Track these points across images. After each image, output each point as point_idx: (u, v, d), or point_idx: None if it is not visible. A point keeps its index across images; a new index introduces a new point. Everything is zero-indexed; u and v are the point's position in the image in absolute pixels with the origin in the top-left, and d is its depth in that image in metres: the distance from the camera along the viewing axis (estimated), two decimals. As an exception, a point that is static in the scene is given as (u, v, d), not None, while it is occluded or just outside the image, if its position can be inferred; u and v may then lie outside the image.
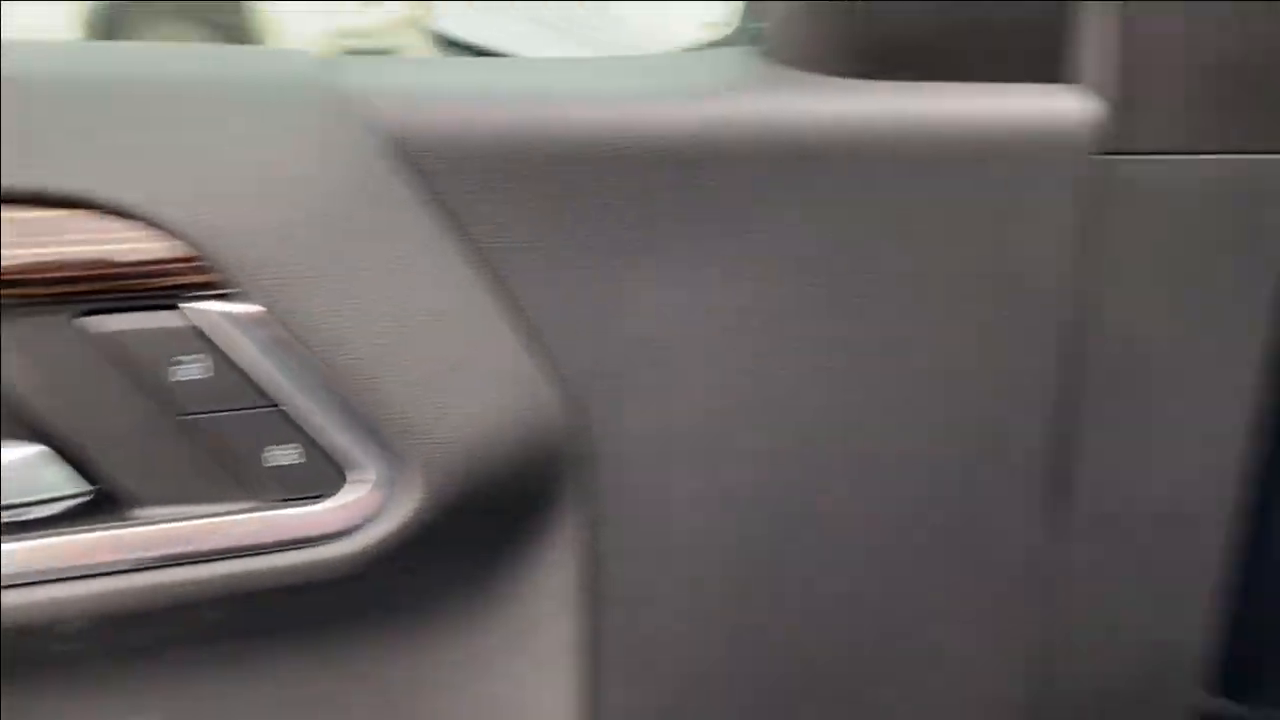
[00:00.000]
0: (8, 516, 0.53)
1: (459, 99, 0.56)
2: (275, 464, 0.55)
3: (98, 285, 0.51)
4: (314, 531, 0.55)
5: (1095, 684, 0.67)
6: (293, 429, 0.54)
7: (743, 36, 0.66)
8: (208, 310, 0.53)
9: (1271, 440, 0.67)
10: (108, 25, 4.92)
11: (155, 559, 0.54)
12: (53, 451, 0.53)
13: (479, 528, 0.59)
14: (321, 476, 0.55)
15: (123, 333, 0.52)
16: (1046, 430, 0.61)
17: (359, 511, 0.55)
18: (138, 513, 0.54)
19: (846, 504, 0.62)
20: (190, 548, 0.54)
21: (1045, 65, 0.58)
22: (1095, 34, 0.57)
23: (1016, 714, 0.66)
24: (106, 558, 0.54)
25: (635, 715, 0.63)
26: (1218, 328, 0.61)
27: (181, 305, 0.52)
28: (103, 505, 0.54)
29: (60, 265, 0.51)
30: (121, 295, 0.52)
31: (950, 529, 0.63)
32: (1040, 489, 0.62)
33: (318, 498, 0.55)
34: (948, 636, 0.65)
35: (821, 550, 0.62)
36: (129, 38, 4.69)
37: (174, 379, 0.53)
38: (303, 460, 0.55)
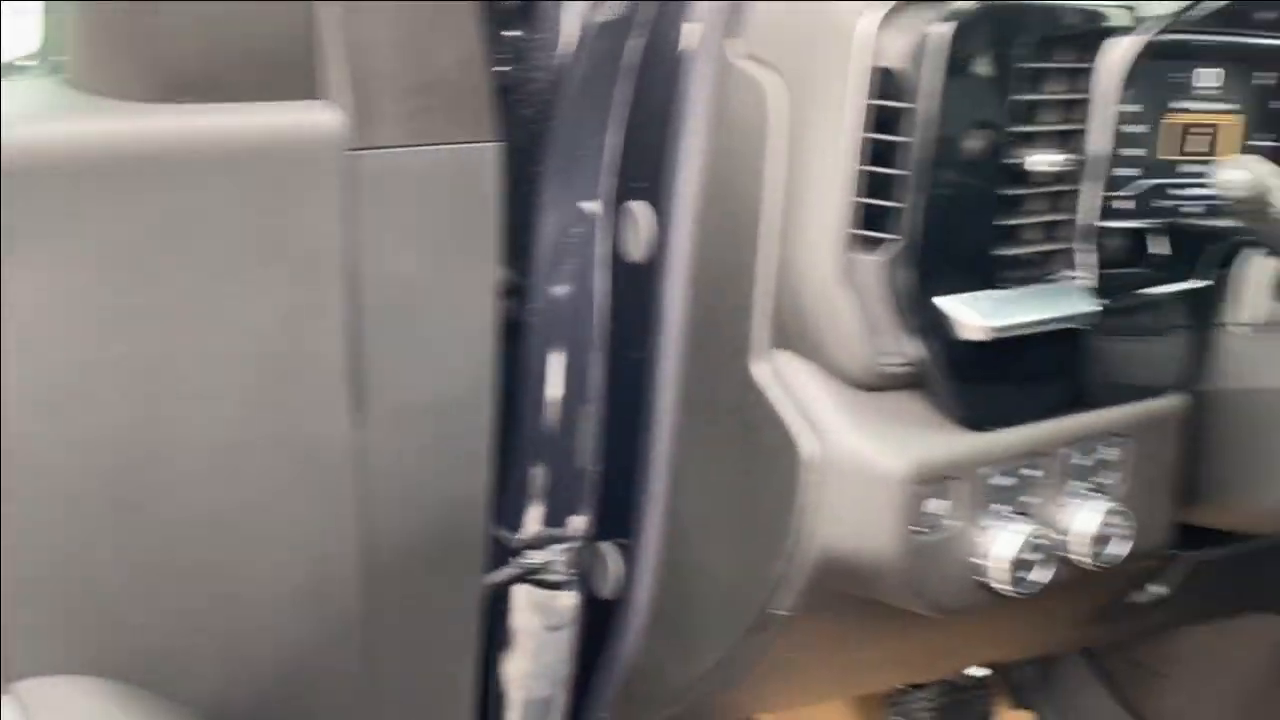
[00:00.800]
0: None
1: None
2: None
3: None
4: None
5: (407, 535, 0.83)
6: None
7: (44, 67, 0.78)
8: None
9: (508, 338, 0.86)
10: None
11: None
12: None
13: None
14: None
15: None
16: (342, 353, 0.77)
17: None
18: None
19: (194, 430, 0.75)
20: None
21: (301, 86, 0.74)
22: (334, 63, 0.74)
23: (347, 566, 0.81)
24: None
25: (37, 622, 0.73)
26: (459, 264, 0.80)
27: None
28: None
29: None
30: None
31: (278, 436, 0.77)
32: (344, 396, 0.78)
33: None
34: (286, 521, 0.79)
35: (177, 468, 0.75)
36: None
37: None
38: None
